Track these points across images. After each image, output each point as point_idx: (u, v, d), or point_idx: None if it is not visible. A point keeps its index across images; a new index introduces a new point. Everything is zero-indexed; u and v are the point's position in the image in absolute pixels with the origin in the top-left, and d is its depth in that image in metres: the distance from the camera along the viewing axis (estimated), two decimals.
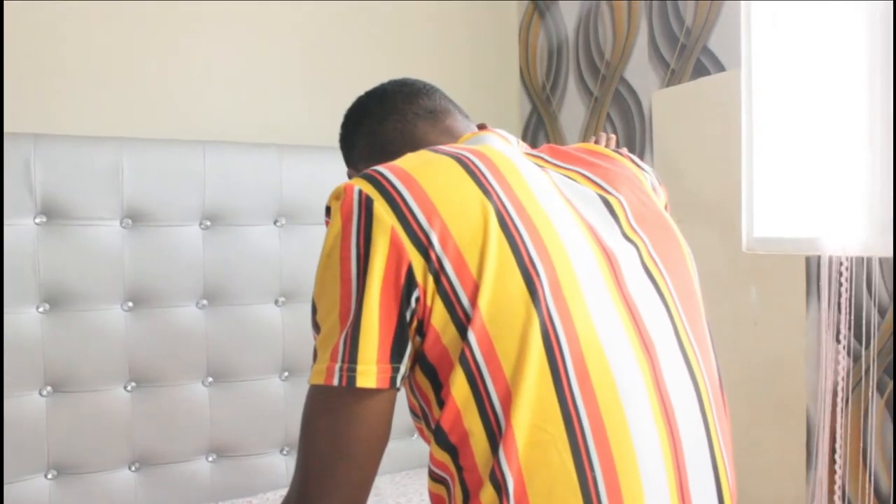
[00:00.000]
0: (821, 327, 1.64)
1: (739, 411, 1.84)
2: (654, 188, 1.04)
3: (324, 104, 2.38)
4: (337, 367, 0.78)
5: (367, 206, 0.80)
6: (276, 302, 2.08)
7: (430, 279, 0.78)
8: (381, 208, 0.79)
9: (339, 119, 2.33)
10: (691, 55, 1.99)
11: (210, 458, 2.02)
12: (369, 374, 0.78)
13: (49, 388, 1.87)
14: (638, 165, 1.04)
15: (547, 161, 0.98)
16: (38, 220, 1.86)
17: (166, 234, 1.98)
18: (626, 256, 0.89)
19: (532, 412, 0.77)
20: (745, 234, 1.84)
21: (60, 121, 2.03)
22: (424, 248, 0.78)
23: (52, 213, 1.87)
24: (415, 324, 0.80)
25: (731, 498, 0.89)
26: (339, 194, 0.83)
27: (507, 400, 0.78)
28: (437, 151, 0.88)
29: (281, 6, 2.30)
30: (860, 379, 1.58)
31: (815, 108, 1.72)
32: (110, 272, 1.92)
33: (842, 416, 1.61)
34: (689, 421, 0.85)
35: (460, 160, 0.85)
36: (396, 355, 0.79)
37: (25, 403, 1.84)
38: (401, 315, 0.79)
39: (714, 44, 1.93)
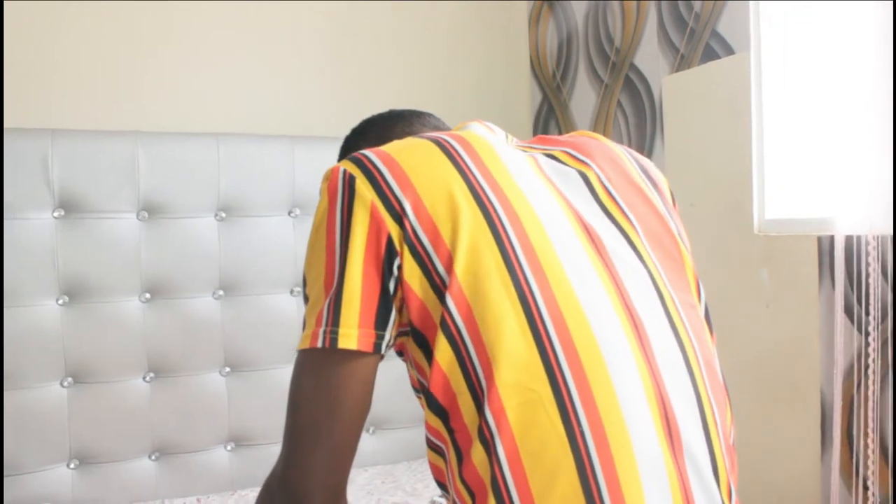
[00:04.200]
0: (834, 307, 1.64)
1: (753, 393, 1.84)
2: (644, 172, 1.03)
3: (336, 95, 2.40)
4: (321, 330, 0.82)
5: (349, 183, 0.85)
6: (292, 292, 2.10)
7: (406, 247, 0.83)
8: (361, 185, 0.85)
9: (352, 109, 2.35)
10: (701, 39, 1.99)
11: (229, 447, 2.05)
12: (351, 337, 0.82)
13: (70, 379, 1.89)
14: (628, 152, 1.05)
15: (532, 147, 1.01)
16: (56, 214, 1.89)
17: (182, 225, 2.00)
18: (606, 229, 0.91)
19: (516, 371, 0.80)
20: (757, 216, 1.85)
21: (77, 116, 2.06)
22: (399, 217, 0.83)
23: (69, 207, 1.90)
24: (399, 293, 0.84)
25: (725, 452, 0.89)
26: (328, 176, 0.88)
27: (488, 361, 0.80)
28: (419, 137, 0.93)
29: None
30: (874, 358, 1.58)
31: (824, 88, 1.72)
32: (127, 264, 1.95)
33: (857, 396, 1.61)
34: (676, 379, 0.86)
35: (438, 143, 0.90)
36: (381, 322, 0.83)
37: (47, 394, 1.87)
38: (384, 284, 0.83)
39: (723, 27, 1.93)
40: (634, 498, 0.78)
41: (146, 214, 1.97)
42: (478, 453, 0.80)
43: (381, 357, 0.86)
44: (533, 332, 0.81)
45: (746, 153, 1.86)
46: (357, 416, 0.85)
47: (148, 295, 1.97)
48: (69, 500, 1.86)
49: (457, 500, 0.85)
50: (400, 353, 0.93)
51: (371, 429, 2.21)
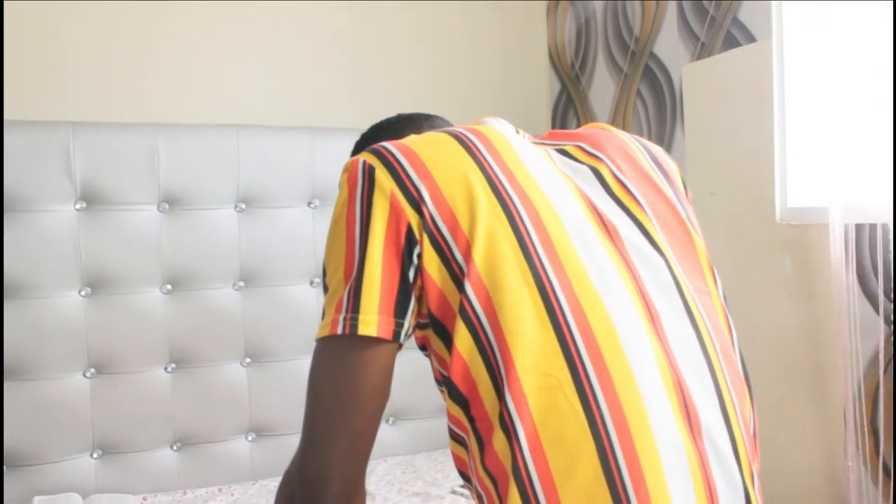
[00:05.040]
0: (857, 295, 1.63)
1: (775, 382, 1.83)
2: (655, 161, 1.03)
3: (355, 86, 2.40)
4: (341, 317, 0.82)
5: (369, 173, 0.86)
6: (312, 283, 2.11)
7: (425, 235, 0.83)
8: (381, 175, 0.86)
9: (372, 101, 2.35)
10: (721, 27, 1.97)
11: (250, 438, 2.06)
12: (370, 323, 0.82)
13: (92, 370, 1.91)
14: (638, 141, 1.05)
15: (544, 143, 1.01)
16: (78, 206, 1.90)
17: (202, 217, 2.01)
18: (619, 218, 0.92)
19: (535, 357, 0.80)
20: (779, 204, 1.83)
21: (98, 108, 2.07)
22: (418, 205, 0.84)
23: (91, 199, 1.91)
24: (419, 281, 0.84)
25: (746, 437, 0.89)
26: (347, 167, 0.89)
27: (507, 347, 0.81)
28: (438, 130, 0.94)
29: None
30: None
31: (846, 76, 1.70)
32: (149, 256, 1.96)
33: (881, 384, 1.60)
34: (693, 365, 0.86)
35: (455, 136, 0.91)
36: (400, 310, 0.84)
37: (70, 385, 1.89)
38: (403, 272, 0.84)
39: (744, 15, 1.91)
40: (656, 481, 0.78)
41: (167, 206, 1.98)
42: (499, 440, 0.81)
43: (400, 346, 0.86)
44: (551, 319, 0.81)
45: (768, 142, 1.84)
46: (377, 406, 0.85)
47: (169, 286, 1.98)
48: (93, 490, 1.88)
49: (479, 488, 0.85)
50: (423, 348, 0.93)
51: (391, 419, 2.21)
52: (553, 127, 2.67)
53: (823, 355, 1.73)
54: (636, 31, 2.28)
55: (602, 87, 2.45)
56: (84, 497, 1.80)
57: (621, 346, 0.82)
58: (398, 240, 0.83)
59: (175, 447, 1.99)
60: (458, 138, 0.90)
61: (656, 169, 1.00)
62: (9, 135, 1.84)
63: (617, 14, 2.36)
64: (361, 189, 0.86)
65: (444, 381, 0.87)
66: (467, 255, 0.83)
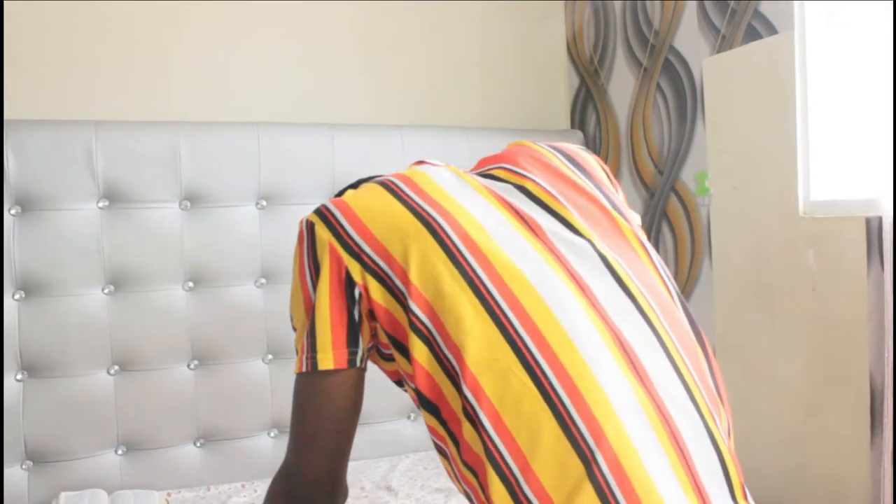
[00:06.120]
0: (883, 289, 1.61)
1: (801, 378, 1.82)
2: (571, 161, 1.13)
3: (374, 83, 2.40)
4: (304, 357, 0.98)
5: (311, 229, 1.01)
6: None
7: (368, 275, 0.97)
8: (320, 229, 1.00)
9: (390, 96, 2.35)
10: (742, 19, 1.96)
11: (272, 434, 2.07)
12: (327, 360, 0.97)
13: (116, 367, 1.92)
14: (554, 148, 1.15)
15: (472, 172, 1.13)
16: (100, 205, 1.92)
17: (224, 214, 2.02)
18: (540, 215, 1.02)
19: (481, 348, 0.90)
20: (802, 198, 1.81)
21: (120, 108, 2.08)
22: (356, 253, 0.97)
23: (113, 198, 1.93)
24: (367, 310, 0.98)
25: (700, 384, 0.95)
26: (298, 227, 1.04)
27: (456, 346, 0.91)
28: (369, 182, 1.09)
29: None
30: None
31: (870, 67, 1.68)
32: (171, 253, 1.97)
33: None
34: (630, 324, 0.94)
35: (382, 183, 1.05)
36: (352, 340, 0.98)
37: (94, 382, 1.90)
38: (349, 309, 0.98)
39: (765, 6, 1.89)
40: (614, 428, 0.85)
41: (188, 204, 1.99)
42: (468, 430, 0.89)
43: (364, 368, 1.00)
44: (487, 311, 0.91)
45: (790, 134, 1.83)
46: (348, 418, 1.01)
47: (191, 283, 1.99)
48: (117, 486, 1.89)
49: (466, 488, 0.94)
50: (399, 383, 1.06)
51: (412, 415, 2.22)
52: (572, 123, 2.66)
53: (849, 350, 1.71)
54: (656, 24, 2.27)
55: (621, 82, 2.44)
56: (109, 493, 1.82)
57: (555, 317, 0.91)
58: (340, 282, 0.97)
59: (198, 444, 2.00)
60: (383, 184, 1.04)
61: (573, 168, 1.11)
62: (32, 134, 1.86)
63: (636, 7, 2.35)
64: (307, 244, 1.01)
65: (416, 394, 0.97)
66: (405, 279, 0.95)
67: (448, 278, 0.93)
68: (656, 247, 2.30)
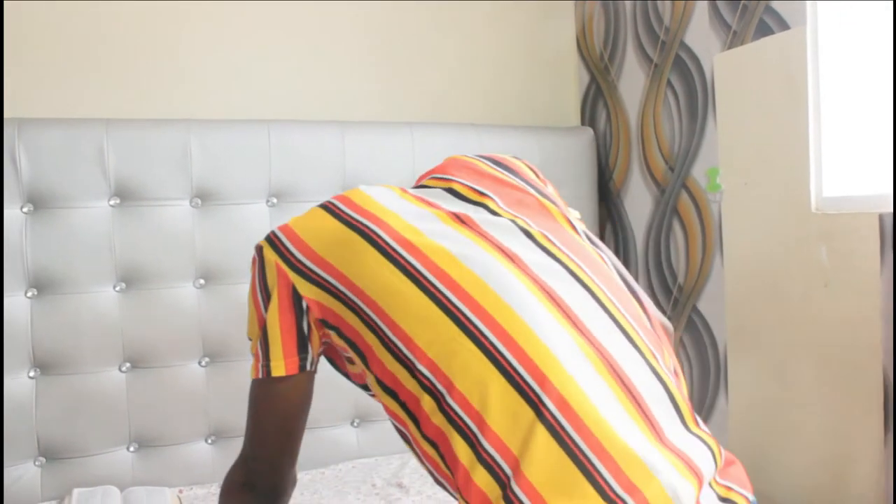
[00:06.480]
0: None
1: (813, 374, 1.81)
2: (498, 164, 1.24)
3: (384, 80, 2.40)
4: (260, 364, 1.09)
5: (260, 252, 1.12)
6: None
7: (314, 287, 1.06)
8: (267, 252, 1.11)
9: (401, 94, 2.36)
10: (753, 15, 1.95)
11: None
12: (280, 367, 1.08)
13: (128, 364, 1.93)
14: (483, 157, 1.27)
15: (410, 190, 1.22)
16: (112, 203, 1.92)
17: (235, 211, 2.03)
18: (468, 209, 1.13)
19: (425, 327, 0.99)
20: (814, 193, 1.81)
21: (130, 106, 2.09)
22: (301, 270, 1.07)
23: (125, 195, 1.93)
24: (315, 321, 1.07)
25: (639, 328, 1.04)
26: (253, 252, 1.14)
27: (402, 331, 1.00)
28: (317, 206, 1.17)
29: None
30: None
31: (882, 63, 1.67)
32: (182, 250, 1.98)
33: None
34: (560, 283, 1.03)
35: (322, 205, 1.14)
36: (301, 347, 1.08)
37: (106, 379, 1.91)
38: (298, 320, 1.07)
39: (777, 2, 1.88)
40: (555, 370, 0.93)
41: (199, 201, 2.00)
42: (426, 402, 0.98)
43: (314, 371, 1.12)
44: (428, 295, 1.00)
45: (802, 131, 1.82)
46: (298, 415, 1.13)
47: (202, 280, 2.00)
48: (129, 482, 1.90)
49: (427, 464, 1.03)
50: (365, 387, 1.16)
51: None
52: (583, 120, 2.66)
53: (861, 346, 1.71)
54: (666, 20, 2.26)
55: (632, 78, 2.43)
56: (121, 489, 1.83)
57: (489, 286, 1.00)
58: (289, 297, 1.07)
59: (210, 440, 2.01)
60: (323, 206, 1.14)
61: (500, 169, 1.22)
62: (44, 133, 1.87)
63: (647, 4, 2.34)
64: (258, 265, 1.11)
65: (375, 381, 1.06)
66: (348, 283, 1.04)
67: (388, 274, 1.03)
68: (667, 244, 2.30)
